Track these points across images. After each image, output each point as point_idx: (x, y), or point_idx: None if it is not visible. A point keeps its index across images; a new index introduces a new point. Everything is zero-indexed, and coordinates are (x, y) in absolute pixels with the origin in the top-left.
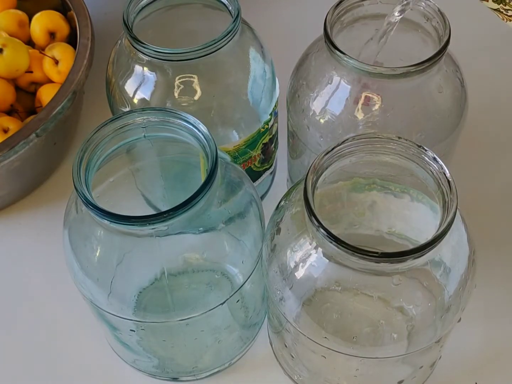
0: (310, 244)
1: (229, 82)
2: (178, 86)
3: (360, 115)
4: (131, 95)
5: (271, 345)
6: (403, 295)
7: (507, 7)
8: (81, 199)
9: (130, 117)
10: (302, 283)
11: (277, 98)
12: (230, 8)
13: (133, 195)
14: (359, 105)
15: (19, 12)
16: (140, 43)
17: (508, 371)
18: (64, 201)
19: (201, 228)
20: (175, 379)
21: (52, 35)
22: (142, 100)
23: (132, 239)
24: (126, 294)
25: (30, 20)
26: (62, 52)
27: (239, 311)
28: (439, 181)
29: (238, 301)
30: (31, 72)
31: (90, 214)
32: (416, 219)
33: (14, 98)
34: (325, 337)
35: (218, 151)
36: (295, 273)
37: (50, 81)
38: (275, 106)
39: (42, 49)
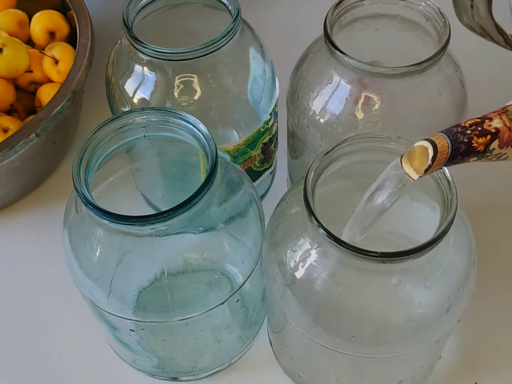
0: (310, 244)
1: (229, 82)
2: (178, 86)
3: (360, 115)
4: (131, 95)
5: (271, 345)
6: (403, 295)
7: None
8: (81, 199)
9: (130, 117)
10: (302, 283)
11: (277, 98)
12: (230, 8)
13: (133, 195)
14: (359, 105)
15: (19, 12)
16: (140, 43)
17: (508, 371)
18: (64, 201)
19: (201, 228)
20: (175, 379)
21: (52, 35)
22: (142, 100)
23: (132, 239)
24: (126, 294)
25: (30, 19)
26: (62, 52)
27: (239, 311)
28: (439, 181)
29: (238, 301)
30: (31, 71)
31: (90, 214)
32: (416, 219)
33: (14, 98)
34: (325, 337)
35: (218, 151)
36: (295, 273)
37: (50, 80)
38: (275, 106)
39: (42, 49)
